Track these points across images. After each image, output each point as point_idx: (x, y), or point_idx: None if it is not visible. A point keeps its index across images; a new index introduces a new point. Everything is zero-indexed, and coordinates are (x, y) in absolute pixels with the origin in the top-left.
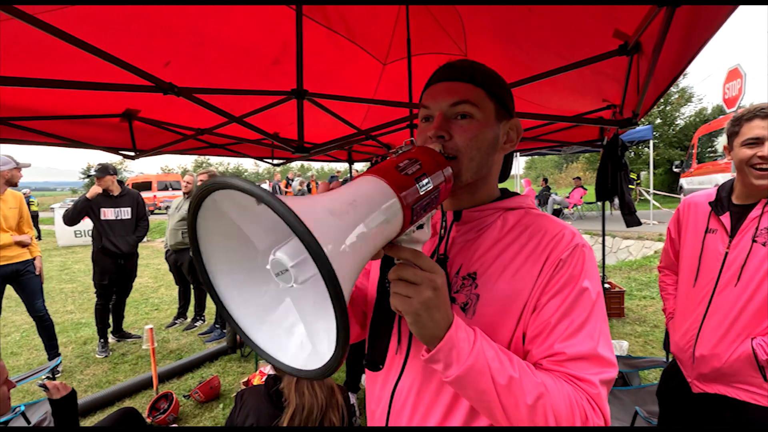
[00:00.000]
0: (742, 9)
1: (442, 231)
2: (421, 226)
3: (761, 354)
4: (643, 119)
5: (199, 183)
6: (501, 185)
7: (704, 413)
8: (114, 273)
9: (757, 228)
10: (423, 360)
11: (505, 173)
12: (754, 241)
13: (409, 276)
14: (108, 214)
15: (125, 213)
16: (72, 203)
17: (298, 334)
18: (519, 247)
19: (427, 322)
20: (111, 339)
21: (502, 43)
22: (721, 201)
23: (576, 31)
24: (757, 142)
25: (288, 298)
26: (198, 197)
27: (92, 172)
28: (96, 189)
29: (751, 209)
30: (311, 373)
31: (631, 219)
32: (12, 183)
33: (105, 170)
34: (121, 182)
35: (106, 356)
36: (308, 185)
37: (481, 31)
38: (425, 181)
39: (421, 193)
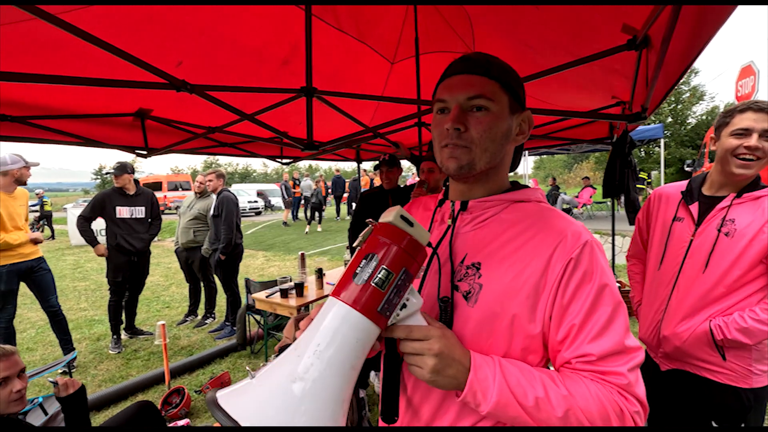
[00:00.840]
0: (752, 8)
1: (450, 220)
2: (404, 305)
3: (717, 334)
4: (653, 118)
5: (208, 183)
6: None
7: (671, 390)
8: (127, 270)
9: (723, 219)
10: (458, 401)
11: (514, 164)
12: (718, 231)
13: (410, 351)
14: (123, 212)
15: (140, 212)
16: (86, 205)
17: None
18: (525, 239)
19: (444, 382)
20: (123, 335)
21: (510, 41)
22: (692, 191)
23: (584, 27)
24: (746, 133)
25: None
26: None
27: (110, 170)
28: (101, 250)
29: (719, 201)
30: None
31: (634, 217)
32: (21, 182)
33: (123, 168)
34: (136, 181)
35: (119, 352)
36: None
37: (489, 29)
38: (385, 276)
39: (386, 291)
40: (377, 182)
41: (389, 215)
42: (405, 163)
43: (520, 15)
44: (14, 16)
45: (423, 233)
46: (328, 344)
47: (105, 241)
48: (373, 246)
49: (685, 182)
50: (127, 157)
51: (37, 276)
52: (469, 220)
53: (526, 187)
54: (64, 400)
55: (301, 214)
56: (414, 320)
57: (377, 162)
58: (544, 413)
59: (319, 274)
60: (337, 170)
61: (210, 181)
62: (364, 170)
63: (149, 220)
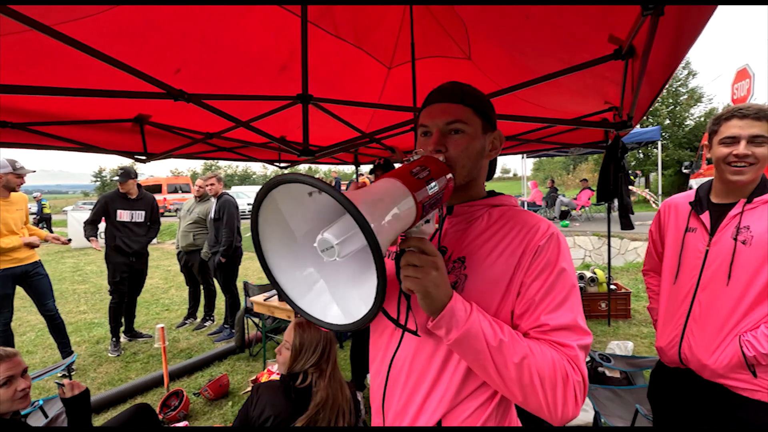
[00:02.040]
0: (750, 10)
1: (437, 224)
2: (428, 221)
3: (748, 350)
4: (651, 120)
5: (208, 187)
6: (498, 187)
7: (702, 407)
8: (126, 271)
9: (737, 227)
10: (429, 327)
11: (490, 174)
12: (735, 240)
13: (415, 261)
14: (123, 215)
15: (139, 216)
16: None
17: (334, 300)
18: (502, 236)
19: (435, 296)
20: (123, 338)
21: (503, 48)
22: (700, 200)
23: (573, 37)
24: (734, 140)
25: (322, 279)
26: (263, 193)
27: (115, 177)
28: (96, 244)
29: (730, 208)
30: (349, 326)
31: (626, 222)
32: (9, 187)
33: (127, 175)
34: (139, 185)
35: (118, 355)
36: None
37: (483, 35)
38: (433, 184)
39: (430, 194)
40: None
41: (440, 156)
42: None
43: (512, 24)
44: (12, 28)
45: None
46: (388, 201)
47: (104, 242)
48: (428, 162)
49: (692, 192)
50: (126, 161)
51: (34, 280)
52: (455, 222)
53: (501, 194)
54: (69, 402)
55: None
56: None
57: (373, 166)
58: (503, 357)
59: None
60: (335, 173)
61: (211, 185)
62: (362, 174)
63: (148, 223)
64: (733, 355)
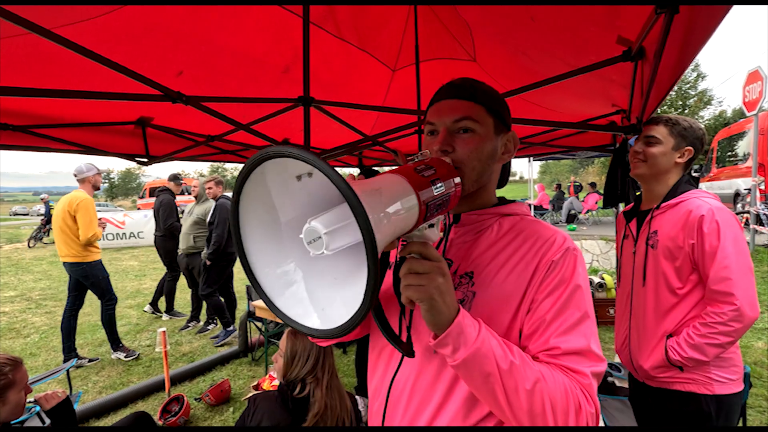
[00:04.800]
0: (762, 11)
1: (442, 233)
2: (432, 226)
3: (673, 355)
4: None
5: (208, 191)
6: (502, 191)
7: (655, 406)
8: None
9: (648, 232)
10: (431, 345)
11: (503, 180)
12: (647, 244)
13: (419, 268)
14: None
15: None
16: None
17: (316, 302)
18: (513, 249)
19: (441, 306)
20: (165, 317)
21: (508, 50)
22: (633, 209)
23: (579, 39)
24: (637, 140)
25: (302, 272)
26: (250, 165)
27: (170, 181)
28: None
29: (647, 214)
30: (327, 332)
31: None
32: (96, 187)
33: (178, 178)
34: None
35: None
36: None
37: (488, 37)
38: (439, 184)
39: (435, 194)
40: None
41: (447, 158)
42: None
43: (518, 26)
44: (12, 31)
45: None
46: (388, 194)
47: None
48: (434, 163)
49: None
50: (127, 163)
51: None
52: (461, 233)
53: (513, 201)
54: (50, 413)
55: None
56: None
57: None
58: (514, 382)
59: None
60: None
61: (209, 188)
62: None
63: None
64: (659, 357)
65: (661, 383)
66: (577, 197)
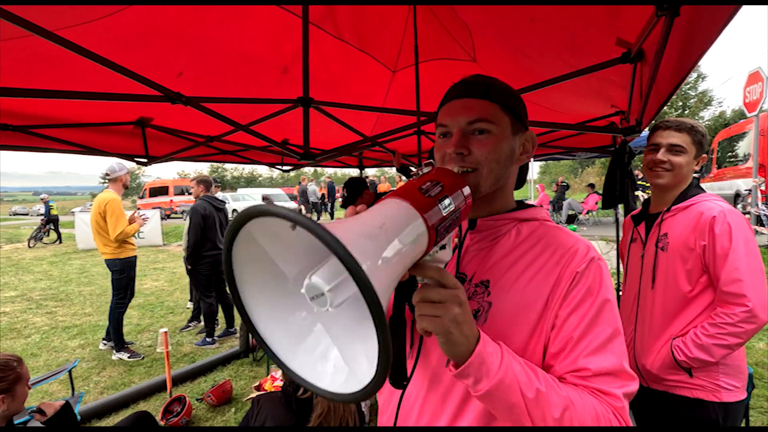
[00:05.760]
0: (763, 11)
1: (457, 239)
2: (443, 247)
3: (678, 354)
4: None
5: (191, 189)
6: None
7: (660, 411)
8: None
9: (658, 234)
10: (452, 375)
11: (520, 182)
12: (656, 246)
13: (434, 296)
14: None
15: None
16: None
17: (333, 359)
18: (533, 257)
19: (459, 338)
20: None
21: (508, 50)
22: (641, 213)
23: (579, 40)
24: (656, 148)
25: (319, 323)
26: (234, 228)
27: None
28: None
29: (657, 217)
30: (349, 396)
31: None
32: (126, 186)
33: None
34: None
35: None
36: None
37: (487, 38)
38: (447, 201)
39: (444, 214)
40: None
41: (453, 167)
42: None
43: (517, 27)
44: (13, 33)
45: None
46: (392, 228)
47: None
48: (440, 176)
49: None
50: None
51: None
52: (477, 239)
53: (532, 206)
54: (51, 421)
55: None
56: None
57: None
58: (541, 410)
59: None
60: (328, 177)
61: (192, 188)
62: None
63: None
64: (665, 357)
65: (667, 387)
66: (563, 197)
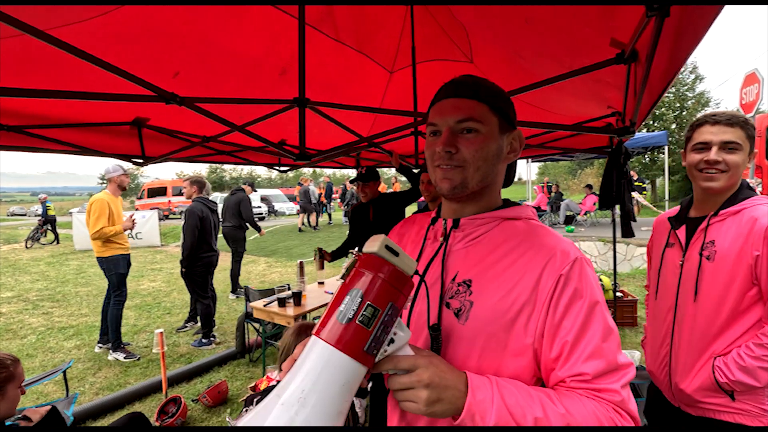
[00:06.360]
0: (759, 12)
1: (441, 238)
2: (392, 341)
3: (720, 376)
4: (658, 125)
5: (183, 189)
6: (507, 191)
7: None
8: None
9: (703, 241)
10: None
11: (508, 180)
12: (701, 255)
13: (398, 387)
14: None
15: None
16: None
17: None
18: (516, 256)
19: (441, 410)
20: (231, 296)
21: (504, 51)
22: (680, 215)
23: (574, 41)
24: (705, 147)
25: None
26: None
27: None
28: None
29: (701, 222)
30: None
31: (627, 229)
32: (122, 187)
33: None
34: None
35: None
36: (330, 188)
37: (484, 39)
38: (371, 313)
39: (372, 329)
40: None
41: (373, 245)
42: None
43: (512, 27)
44: (5, 32)
45: (410, 263)
46: (311, 390)
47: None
48: (357, 280)
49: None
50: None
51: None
52: (460, 238)
53: (518, 204)
54: (38, 426)
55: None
56: (402, 353)
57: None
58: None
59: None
60: (327, 178)
61: (184, 188)
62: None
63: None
64: (705, 379)
65: (705, 411)
66: (549, 197)
